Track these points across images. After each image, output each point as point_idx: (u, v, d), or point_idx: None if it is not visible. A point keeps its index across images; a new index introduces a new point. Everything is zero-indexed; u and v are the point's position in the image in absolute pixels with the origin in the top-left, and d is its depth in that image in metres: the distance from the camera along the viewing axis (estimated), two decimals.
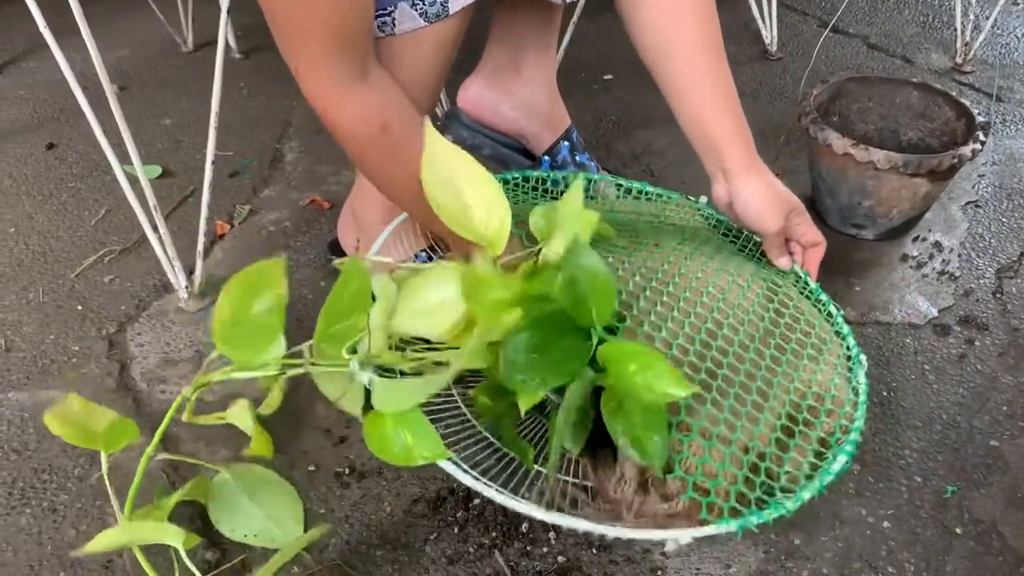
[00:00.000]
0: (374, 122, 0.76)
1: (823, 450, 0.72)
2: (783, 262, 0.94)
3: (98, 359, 0.97)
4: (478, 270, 0.70)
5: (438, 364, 0.78)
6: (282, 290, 0.72)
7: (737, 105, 0.89)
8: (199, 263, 1.03)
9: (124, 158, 0.92)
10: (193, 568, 0.67)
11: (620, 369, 0.66)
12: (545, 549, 0.78)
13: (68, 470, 0.84)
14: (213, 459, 0.86)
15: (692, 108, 0.89)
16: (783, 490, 0.68)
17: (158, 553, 0.76)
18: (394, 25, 0.79)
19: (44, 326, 1.01)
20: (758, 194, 0.89)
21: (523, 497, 0.69)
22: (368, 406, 0.72)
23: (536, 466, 0.79)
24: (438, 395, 0.83)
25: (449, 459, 0.70)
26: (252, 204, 1.25)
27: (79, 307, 1.04)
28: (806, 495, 0.66)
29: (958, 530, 0.81)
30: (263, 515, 0.79)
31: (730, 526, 0.64)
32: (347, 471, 0.85)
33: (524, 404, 0.67)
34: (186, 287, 1.02)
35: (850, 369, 0.82)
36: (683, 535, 0.64)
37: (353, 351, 0.76)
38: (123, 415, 0.88)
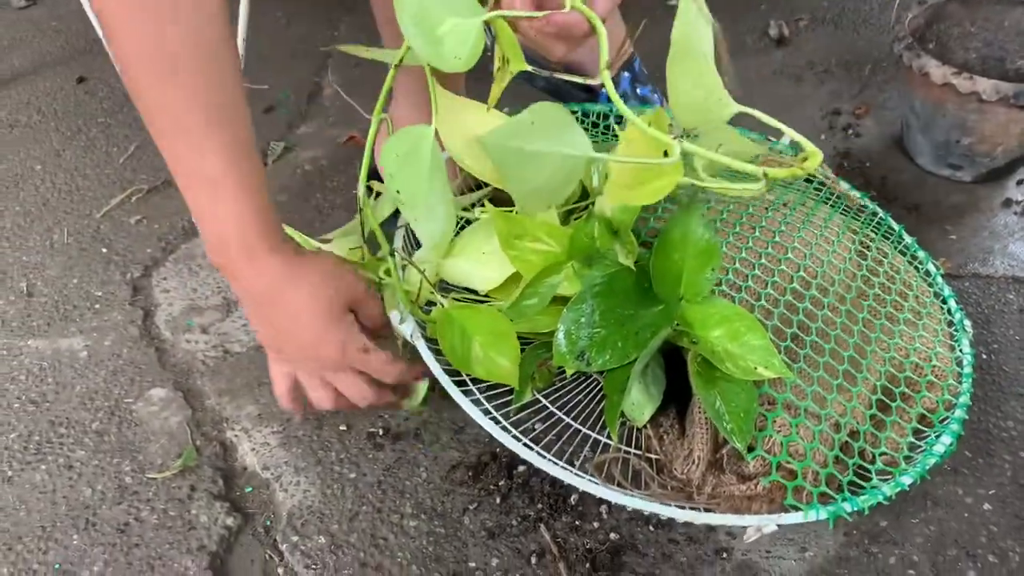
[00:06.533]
0: None
1: (923, 428, 0.62)
2: None
3: (121, 305, 0.91)
4: (518, 216, 0.61)
5: None
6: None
7: None
8: None
9: None
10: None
11: (703, 334, 0.57)
12: (596, 524, 0.71)
13: (86, 424, 0.79)
14: (239, 415, 0.79)
15: None
16: (879, 472, 0.59)
17: (176, 516, 0.71)
18: None
19: (67, 269, 0.95)
20: None
21: (582, 470, 0.61)
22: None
23: (594, 433, 0.71)
24: None
25: (502, 427, 0.62)
26: (287, 141, 1.17)
27: (104, 249, 0.98)
28: (906, 480, 0.57)
29: None
30: None
31: (820, 514, 0.55)
32: (381, 432, 0.78)
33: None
34: None
35: (952, 336, 0.71)
36: (767, 522, 0.55)
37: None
38: (145, 367, 0.84)
